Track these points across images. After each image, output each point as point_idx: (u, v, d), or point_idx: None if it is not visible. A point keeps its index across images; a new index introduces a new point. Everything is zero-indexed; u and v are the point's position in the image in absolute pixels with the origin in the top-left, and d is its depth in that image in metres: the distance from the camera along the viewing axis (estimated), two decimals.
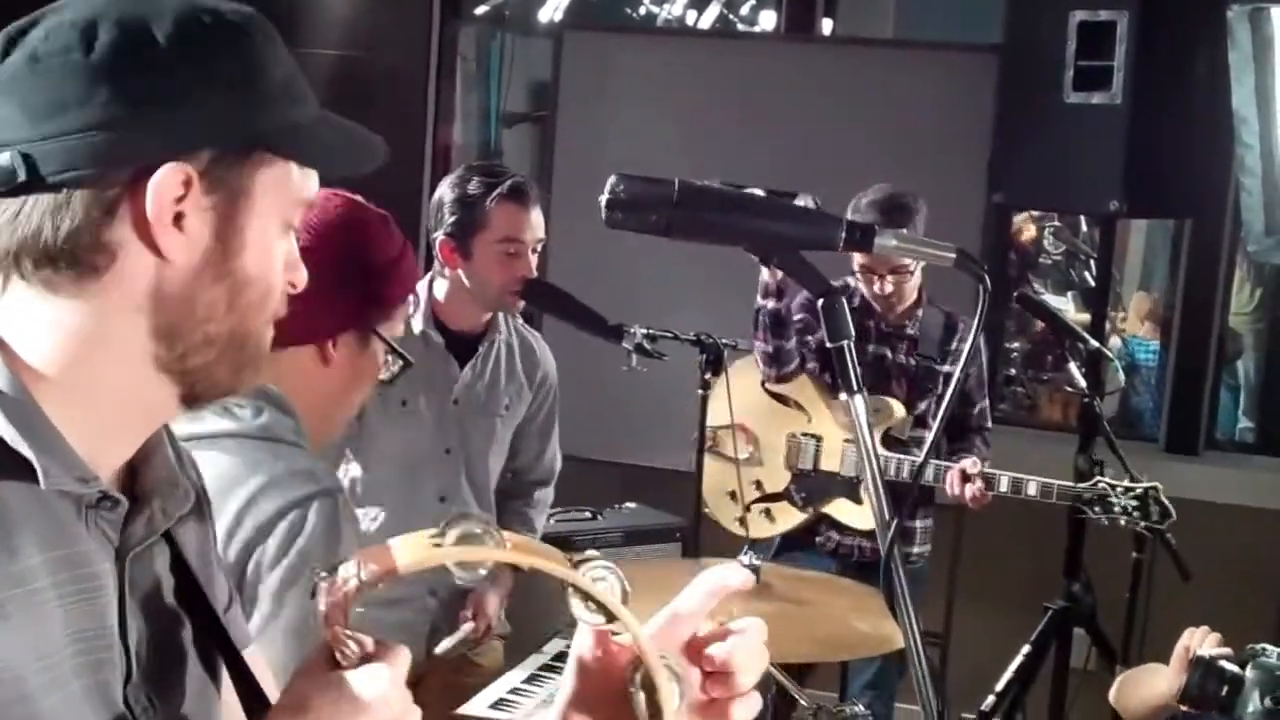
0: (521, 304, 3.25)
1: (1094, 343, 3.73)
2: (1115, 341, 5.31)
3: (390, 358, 1.95)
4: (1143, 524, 3.46)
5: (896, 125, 4.67)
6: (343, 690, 1.02)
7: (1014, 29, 4.24)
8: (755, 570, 3.02)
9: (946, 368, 3.88)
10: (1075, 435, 3.73)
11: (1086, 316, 4.32)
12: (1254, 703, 2.27)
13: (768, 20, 5.78)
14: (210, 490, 1.29)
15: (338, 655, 1.02)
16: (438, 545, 1.01)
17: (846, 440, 3.88)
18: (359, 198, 1.94)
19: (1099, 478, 3.53)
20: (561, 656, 3.12)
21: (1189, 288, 4.93)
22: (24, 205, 1.02)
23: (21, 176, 1.01)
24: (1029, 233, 5.59)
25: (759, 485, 3.95)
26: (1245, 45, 3.32)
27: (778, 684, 2.51)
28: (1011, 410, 5.47)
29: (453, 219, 3.16)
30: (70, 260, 1.03)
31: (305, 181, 1.13)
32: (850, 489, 3.89)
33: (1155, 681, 2.47)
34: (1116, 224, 4.40)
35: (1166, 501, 3.47)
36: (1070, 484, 3.57)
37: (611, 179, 1.37)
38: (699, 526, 3.37)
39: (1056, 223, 5.53)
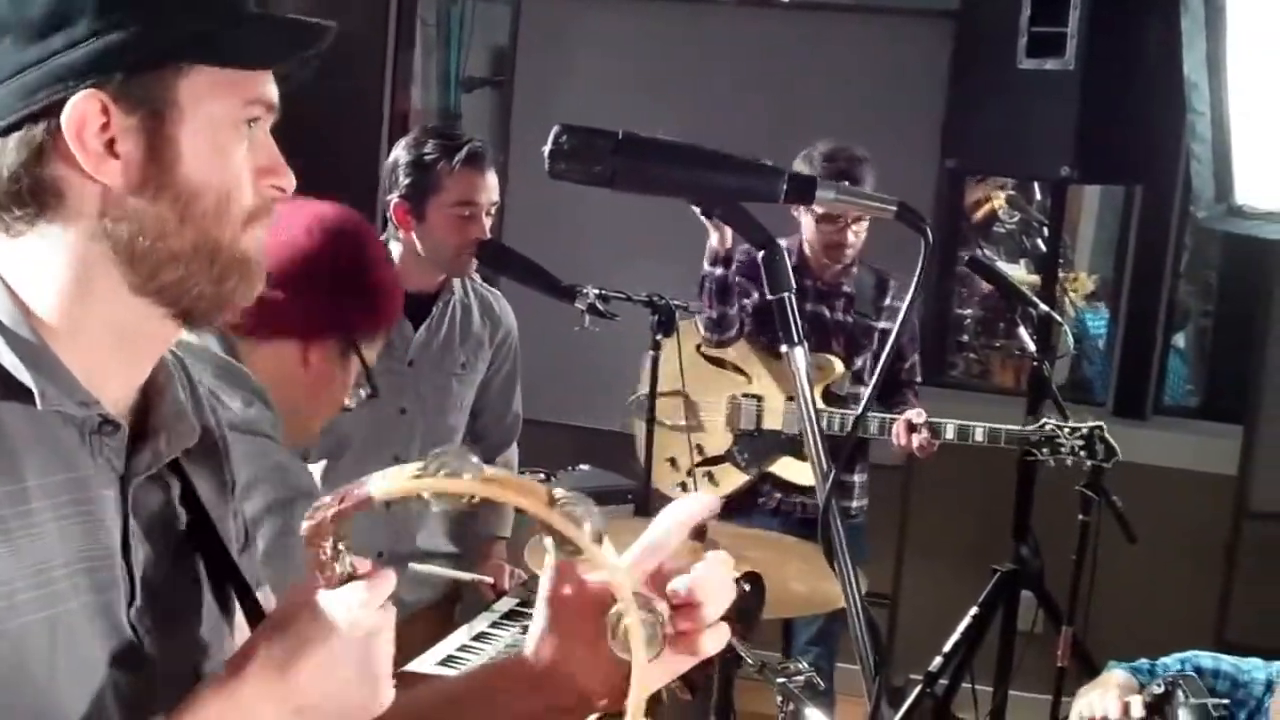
0: (474, 266, 3.25)
1: (1044, 307, 3.78)
2: (1066, 307, 5.33)
3: (358, 385, 1.99)
4: (1089, 462, 3.53)
5: (852, 90, 4.67)
6: (315, 609, 1.07)
7: None
8: (701, 531, 3.05)
9: (881, 324, 3.93)
10: (1025, 399, 3.77)
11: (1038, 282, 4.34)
12: None
13: None
14: None
15: (320, 577, 1.08)
16: (417, 478, 1.03)
17: (789, 399, 3.90)
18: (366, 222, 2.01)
19: (1045, 419, 3.60)
20: (512, 614, 3.13)
21: (1139, 255, 4.97)
22: None
23: None
24: (986, 203, 5.59)
25: (700, 449, 3.97)
26: (1198, 11, 3.34)
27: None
28: (963, 375, 5.49)
29: (407, 181, 3.17)
30: (20, 202, 1.08)
31: (249, 80, 1.12)
32: (794, 446, 3.92)
33: None
34: (1068, 191, 4.43)
35: (1111, 440, 3.55)
36: (1018, 428, 3.63)
37: (555, 129, 1.35)
38: (650, 487, 3.39)
39: (1011, 190, 5.54)
